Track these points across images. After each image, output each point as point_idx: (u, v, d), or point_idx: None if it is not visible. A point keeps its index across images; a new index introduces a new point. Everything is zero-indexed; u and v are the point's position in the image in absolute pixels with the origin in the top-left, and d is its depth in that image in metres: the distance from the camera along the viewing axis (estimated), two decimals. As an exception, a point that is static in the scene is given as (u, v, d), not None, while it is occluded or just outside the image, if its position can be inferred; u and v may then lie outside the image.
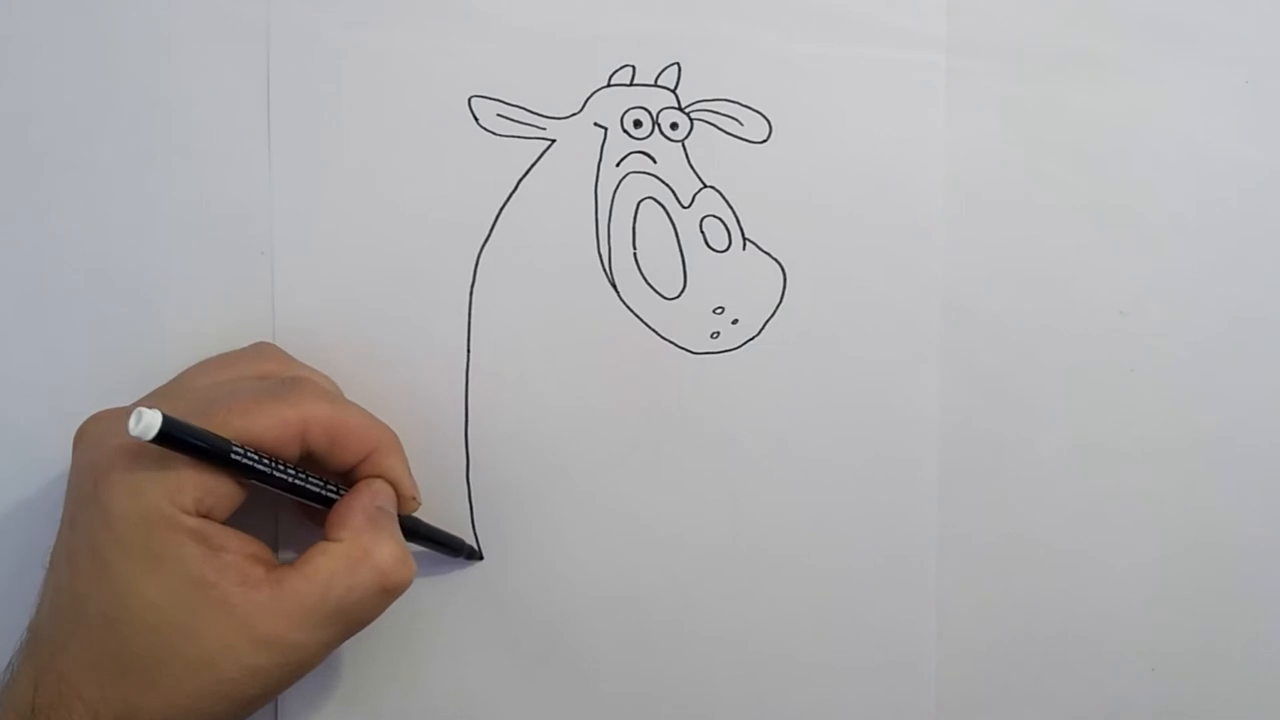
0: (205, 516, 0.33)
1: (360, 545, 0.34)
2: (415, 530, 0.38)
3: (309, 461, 0.35)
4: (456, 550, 0.40)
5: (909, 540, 0.42)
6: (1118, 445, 0.43)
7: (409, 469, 0.37)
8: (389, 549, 0.34)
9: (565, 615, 0.41)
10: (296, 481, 0.34)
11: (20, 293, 0.39)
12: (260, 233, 0.40)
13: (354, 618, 0.34)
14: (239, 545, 0.33)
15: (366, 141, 0.40)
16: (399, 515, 0.36)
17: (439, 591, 0.41)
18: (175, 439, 0.31)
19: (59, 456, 0.39)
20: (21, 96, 0.39)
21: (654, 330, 0.41)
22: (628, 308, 0.41)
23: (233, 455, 0.32)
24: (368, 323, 0.40)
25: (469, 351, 0.41)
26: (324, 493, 0.35)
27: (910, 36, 0.41)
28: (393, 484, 0.36)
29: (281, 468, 0.34)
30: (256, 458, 0.33)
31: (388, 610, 0.39)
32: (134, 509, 0.31)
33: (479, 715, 0.41)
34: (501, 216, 0.40)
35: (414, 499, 0.37)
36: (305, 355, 0.40)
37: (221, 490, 0.33)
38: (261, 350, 0.38)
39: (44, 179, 0.39)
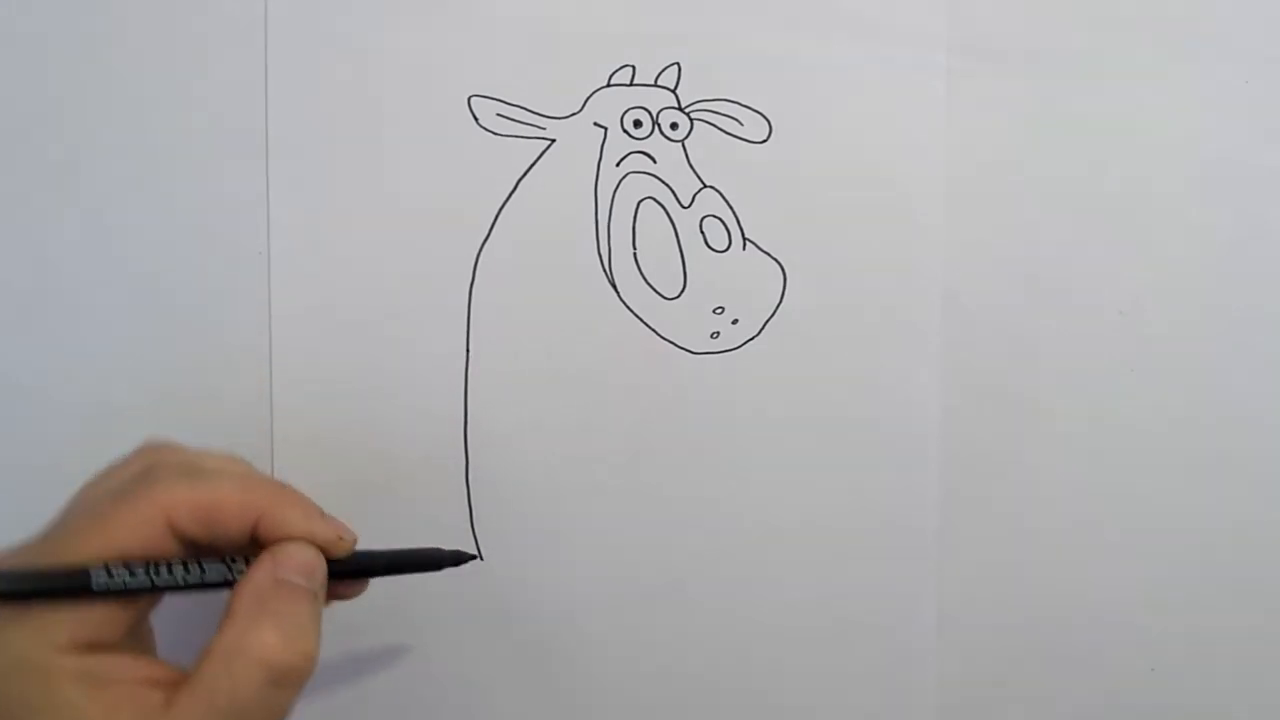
0: (94, 646, 0.29)
1: (235, 636, 0.29)
2: (372, 566, 0.34)
3: (208, 548, 0.31)
4: (437, 564, 0.36)
5: (909, 540, 0.42)
6: (1118, 445, 0.43)
7: (318, 512, 0.33)
8: (270, 635, 0.29)
9: (565, 615, 0.41)
10: (188, 581, 0.30)
11: (18, 292, 0.39)
12: (258, 232, 0.40)
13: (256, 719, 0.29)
14: (131, 672, 0.29)
15: (365, 141, 0.40)
16: (340, 558, 0.33)
17: (438, 591, 0.40)
18: (22, 595, 0.28)
19: (56, 457, 0.39)
20: (21, 96, 0.39)
21: (654, 330, 0.41)
22: (628, 308, 0.41)
23: (94, 587, 0.29)
24: (366, 323, 0.40)
25: (468, 351, 0.40)
26: (228, 579, 0.31)
27: (910, 36, 0.41)
28: (304, 538, 0.32)
29: (163, 572, 0.30)
30: (128, 573, 0.29)
31: (386, 611, 0.39)
32: (2, 664, 0.28)
33: (478, 714, 0.41)
34: (501, 216, 0.40)
35: (340, 539, 0.32)
36: (302, 355, 0.40)
37: (102, 617, 0.29)
38: (149, 445, 0.34)
39: (42, 179, 0.39)
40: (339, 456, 0.40)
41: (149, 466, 0.32)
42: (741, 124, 0.41)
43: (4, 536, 0.39)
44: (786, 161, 0.41)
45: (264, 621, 0.30)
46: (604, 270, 0.41)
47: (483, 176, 0.40)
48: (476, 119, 0.40)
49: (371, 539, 0.40)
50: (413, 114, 0.40)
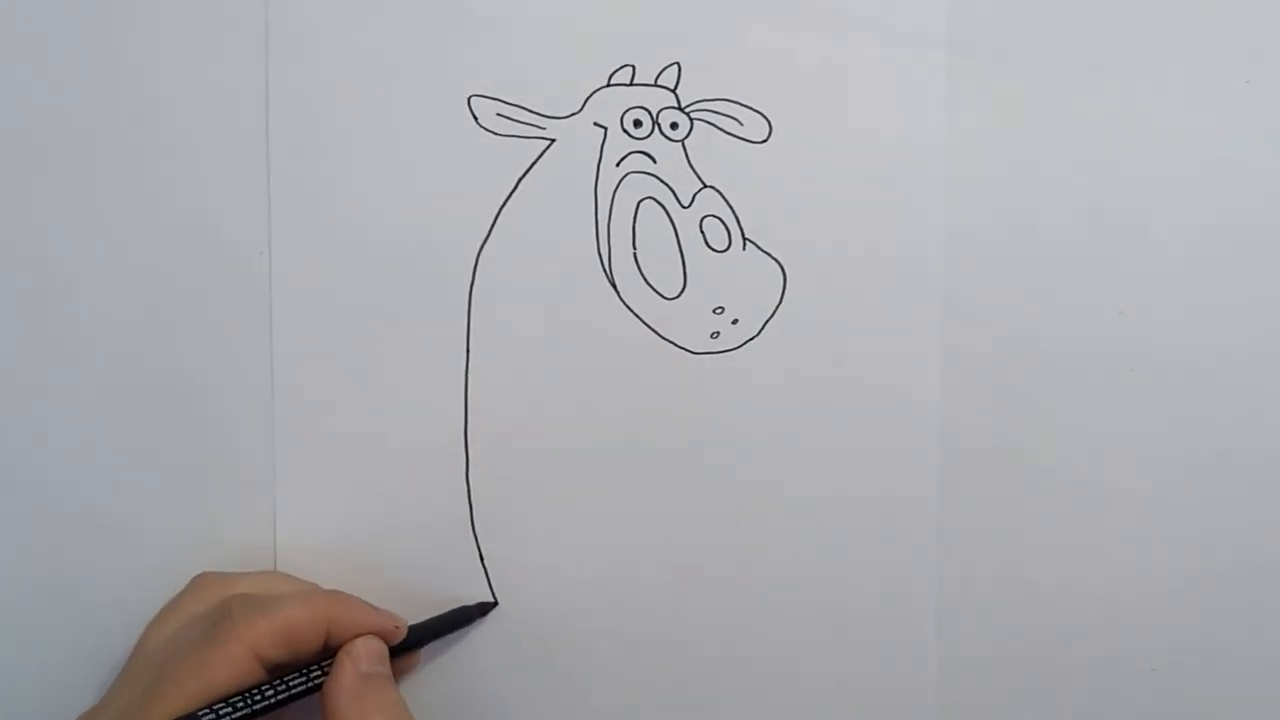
0: None
1: None
2: (421, 639, 0.38)
3: (289, 665, 0.35)
4: (470, 617, 0.40)
5: (909, 540, 0.42)
6: (1118, 445, 0.43)
7: (373, 608, 0.37)
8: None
9: (565, 613, 0.41)
10: (279, 699, 0.34)
11: (19, 292, 0.39)
12: (258, 232, 0.40)
13: None
14: None
15: (365, 141, 0.40)
16: (399, 643, 0.37)
17: (439, 592, 0.40)
18: None
19: (56, 457, 0.39)
20: (20, 96, 0.39)
21: (654, 330, 0.41)
22: (628, 308, 0.41)
23: None
24: (367, 322, 0.40)
25: (469, 351, 0.40)
26: (310, 686, 0.35)
27: (910, 36, 0.41)
28: (370, 633, 0.36)
29: (258, 697, 0.34)
30: (231, 709, 0.33)
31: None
32: None
33: (478, 712, 0.41)
34: (501, 216, 0.40)
35: (396, 629, 0.37)
36: (302, 355, 0.40)
37: None
38: (199, 584, 0.37)
39: (43, 179, 0.39)
40: (339, 457, 0.40)
41: (222, 607, 0.35)
42: (741, 124, 0.41)
43: (3, 535, 0.39)
44: (786, 161, 0.41)
45: (370, 714, 0.34)
46: (604, 270, 0.41)
47: (483, 176, 0.40)
48: (476, 119, 0.40)
49: (372, 539, 0.41)
50: (413, 114, 0.40)
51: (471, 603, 0.40)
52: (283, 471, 0.40)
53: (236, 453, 0.40)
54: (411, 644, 0.38)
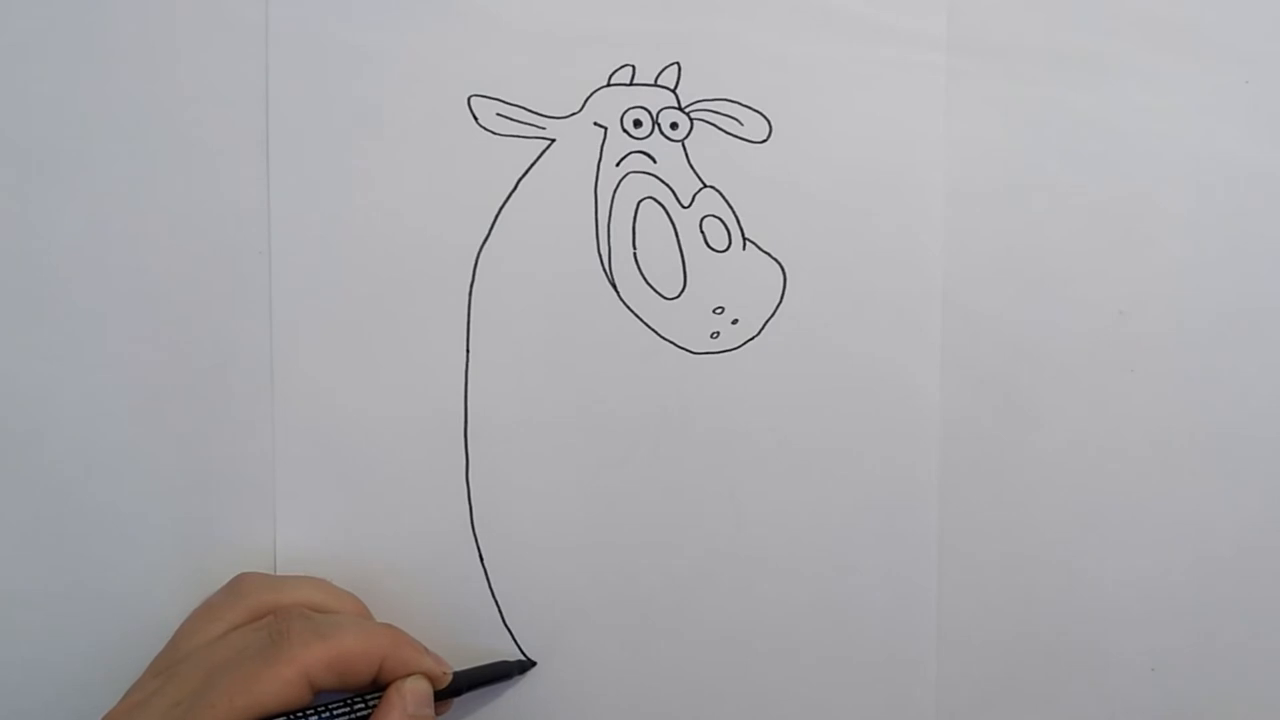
0: None
1: None
2: (460, 688, 0.38)
3: (335, 690, 0.35)
4: (509, 673, 0.40)
5: (909, 540, 0.42)
6: (1118, 445, 0.43)
7: (425, 650, 0.37)
8: None
9: (564, 614, 0.41)
10: None
11: (18, 293, 0.39)
12: (258, 232, 0.40)
13: None
14: None
15: (365, 141, 0.40)
16: (440, 689, 0.37)
17: (439, 592, 0.41)
18: None
19: (56, 457, 0.39)
20: (20, 97, 0.39)
21: (654, 330, 0.41)
22: (628, 308, 0.41)
23: None
24: (367, 322, 0.40)
25: (468, 351, 0.40)
26: (354, 718, 0.35)
27: (910, 36, 0.41)
28: (419, 673, 0.36)
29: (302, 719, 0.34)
30: None
31: (390, 615, 0.39)
32: None
33: (476, 713, 0.41)
34: (501, 216, 0.40)
35: (444, 674, 0.37)
36: (302, 355, 0.40)
37: None
38: (241, 587, 0.37)
39: (42, 179, 0.39)
40: (339, 456, 0.40)
41: (279, 624, 0.35)
42: (741, 124, 0.41)
43: (3, 537, 0.39)
44: (786, 161, 0.41)
45: None
46: (604, 270, 0.41)
47: (483, 176, 0.40)
48: (476, 119, 0.40)
49: (372, 539, 0.41)
50: (413, 114, 0.40)
51: (503, 652, 0.41)
52: (283, 471, 0.40)
53: (236, 453, 0.40)
54: (449, 692, 0.38)
